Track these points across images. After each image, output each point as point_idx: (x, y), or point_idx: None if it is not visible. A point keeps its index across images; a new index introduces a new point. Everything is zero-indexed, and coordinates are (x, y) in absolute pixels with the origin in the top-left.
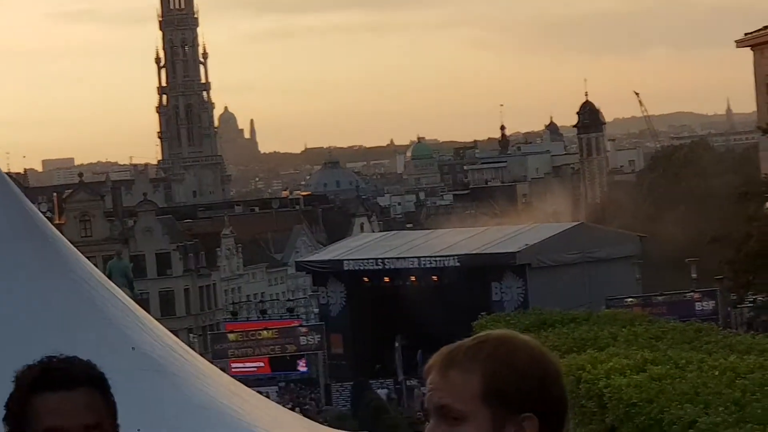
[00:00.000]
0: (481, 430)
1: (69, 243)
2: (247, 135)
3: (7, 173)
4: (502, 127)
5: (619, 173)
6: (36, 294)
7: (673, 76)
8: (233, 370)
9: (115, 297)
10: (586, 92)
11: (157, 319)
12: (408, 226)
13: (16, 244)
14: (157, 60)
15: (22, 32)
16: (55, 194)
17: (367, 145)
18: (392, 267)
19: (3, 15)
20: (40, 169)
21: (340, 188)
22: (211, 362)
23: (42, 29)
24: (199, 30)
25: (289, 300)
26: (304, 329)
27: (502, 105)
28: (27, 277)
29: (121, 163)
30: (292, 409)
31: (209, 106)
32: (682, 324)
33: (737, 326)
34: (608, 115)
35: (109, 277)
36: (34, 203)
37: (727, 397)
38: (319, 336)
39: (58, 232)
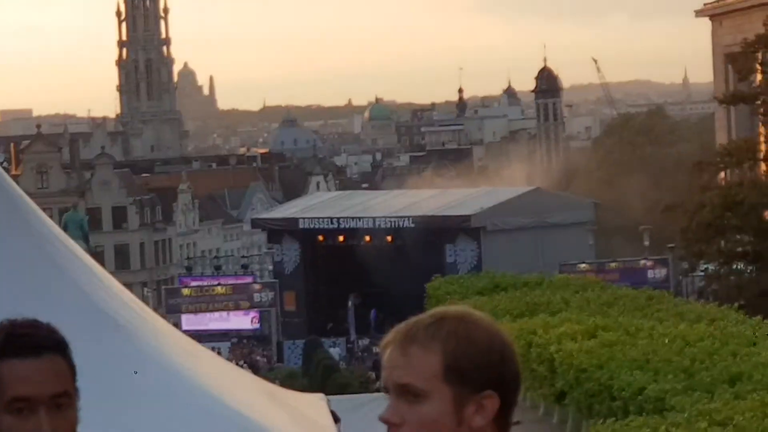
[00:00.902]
0: (442, 409)
1: (25, 194)
2: (206, 91)
3: None
4: (460, 90)
5: (576, 140)
6: None
7: (631, 43)
8: (186, 325)
9: (70, 250)
10: (545, 57)
11: (111, 273)
12: (364, 186)
13: None
14: (118, 13)
15: None
16: (12, 144)
17: (325, 105)
18: (347, 226)
19: None
20: None
21: (298, 147)
22: (165, 317)
23: None
24: None
25: (243, 257)
26: (257, 286)
27: (461, 68)
28: None
29: (80, 115)
30: (244, 365)
31: (169, 61)
32: (634, 291)
33: (688, 294)
34: (566, 81)
35: (65, 229)
36: None
37: (676, 365)
38: (272, 293)
39: (13, 183)
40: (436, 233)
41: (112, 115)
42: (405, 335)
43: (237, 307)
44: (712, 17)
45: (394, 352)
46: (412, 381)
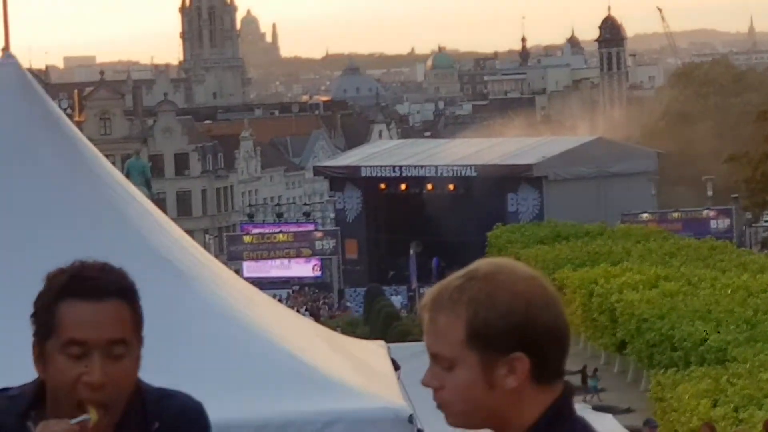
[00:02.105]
0: (472, 374)
1: (88, 141)
2: (269, 39)
3: (28, 69)
4: (523, 39)
5: (639, 89)
6: (54, 191)
7: None
8: (247, 272)
9: (132, 196)
10: (609, 6)
11: (173, 220)
12: (426, 134)
13: (35, 141)
14: None
15: None
16: (76, 91)
17: (388, 53)
18: (409, 174)
19: None
20: (61, 66)
21: (360, 95)
22: (226, 264)
23: None
24: None
25: (305, 204)
26: (319, 233)
27: (523, 17)
28: (45, 175)
29: (143, 62)
30: (305, 312)
31: (232, 8)
32: (696, 241)
33: (752, 245)
34: (630, 30)
35: (127, 176)
36: (54, 100)
37: (738, 316)
38: (334, 241)
39: (77, 130)
40: (498, 182)
41: (175, 62)
42: (433, 301)
43: (298, 255)
44: None
45: (426, 319)
46: (440, 350)
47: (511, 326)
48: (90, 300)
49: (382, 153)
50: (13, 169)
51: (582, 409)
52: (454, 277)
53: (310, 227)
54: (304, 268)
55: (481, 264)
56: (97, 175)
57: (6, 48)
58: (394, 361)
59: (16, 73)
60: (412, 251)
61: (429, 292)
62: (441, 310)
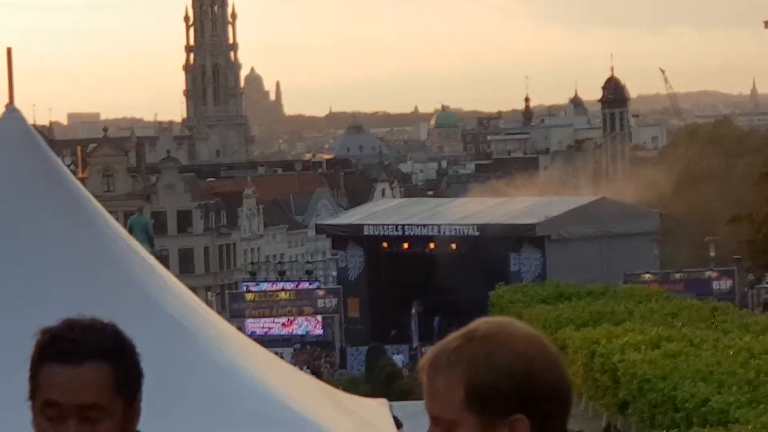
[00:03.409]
0: None
1: (91, 197)
2: (272, 97)
3: (32, 125)
4: (527, 99)
5: (642, 150)
6: (57, 248)
7: (699, 54)
8: (249, 329)
9: (136, 253)
10: (612, 67)
11: (175, 277)
12: (429, 193)
13: (38, 196)
14: (186, 18)
15: None
16: (79, 148)
17: (392, 112)
18: (412, 233)
19: None
20: (65, 122)
21: (363, 153)
22: (228, 321)
23: None
24: None
25: (308, 262)
26: (321, 292)
27: (527, 77)
28: (48, 230)
29: (147, 119)
30: (307, 371)
31: (236, 66)
32: (698, 302)
33: (754, 306)
34: (633, 91)
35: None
36: (58, 156)
37: (740, 377)
38: (336, 299)
39: (81, 186)
40: (501, 241)
41: (179, 120)
42: (431, 363)
43: (301, 313)
44: None
45: (426, 380)
46: (439, 412)
47: (511, 387)
48: (67, 363)
49: (385, 212)
50: (17, 225)
51: None
52: (453, 337)
53: (313, 285)
54: (306, 326)
55: (480, 324)
56: (100, 231)
57: (10, 102)
58: (396, 419)
59: (21, 128)
60: (414, 310)
61: (427, 354)
62: (439, 372)
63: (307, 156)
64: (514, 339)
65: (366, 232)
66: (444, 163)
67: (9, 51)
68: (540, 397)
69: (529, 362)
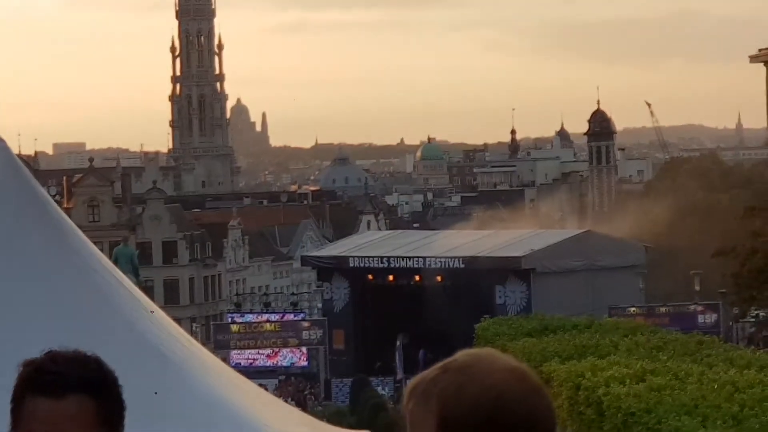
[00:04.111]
0: None
1: (76, 227)
2: (258, 128)
3: (17, 155)
4: (513, 132)
5: (628, 183)
6: (41, 278)
7: (685, 87)
8: (234, 360)
9: (120, 284)
10: (598, 100)
11: (160, 307)
12: (415, 225)
13: (23, 226)
14: (172, 49)
15: (37, 14)
16: (64, 178)
17: (378, 143)
18: (397, 265)
19: None
20: (51, 152)
21: (349, 185)
22: (213, 352)
23: (58, 12)
24: (215, 20)
25: (293, 294)
26: (306, 323)
27: (513, 109)
28: (33, 260)
29: (132, 150)
30: (291, 402)
31: (222, 97)
32: (683, 335)
33: (738, 340)
34: (619, 124)
35: (115, 263)
36: (43, 186)
37: (725, 411)
38: (321, 331)
39: (65, 216)
40: (486, 274)
41: (165, 150)
42: (410, 393)
43: (285, 345)
44: (766, 63)
45: (405, 411)
46: None
47: (478, 421)
48: (49, 396)
49: (371, 244)
50: (1, 254)
51: None
52: (433, 368)
53: (298, 317)
54: (291, 358)
55: (459, 355)
56: (85, 261)
57: None
58: None
59: (6, 157)
60: (399, 342)
61: (409, 384)
62: (417, 403)
63: (293, 187)
64: (488, 371)
65: (351, 264)
66: (430, 196)
67: None
68: (511, 430)
69: (499, 395)
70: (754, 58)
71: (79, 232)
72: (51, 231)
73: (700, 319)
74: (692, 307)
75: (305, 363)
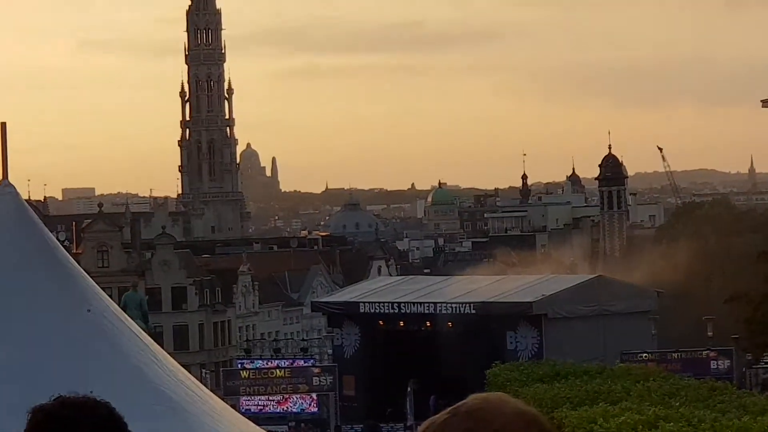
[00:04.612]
0: None
1: (85, 273)
2: (268, 173)
3: (27, 200)
4: (524, 176)
5: (639, 228)
6: (50, 324)
7: (697, 132)
8: (244, 407)
9: (129, 330)
10: (610, 145)
11: (170, 354)
12: (426, 271)
13: (31, 273)
14: (182, 94)
15: (49, 61)
16: (74, 223)
17: (388, 188)
18: (408, 311)
19: (32, 44)
20: (60, 197)
21: (360, 230)
22: (223, 399)
23: (68, 57)
24: (225, 65)
25: (303, 340)
26: (317, 369)
27: (524, 154)
28: (41, 306)
29: (141, 195)
30: None
31: (232, 142)
32: (696, 381)
33: (752, 386)
34: (630, 169)
35: (124, 308)
36: (53, 232)
37: None
38: (331, 377)
39: (74, 262)
40: (498, 320)
41: (174, 195)
42: None
43: (295, 391)
44: None
45: None
46: None
47: None
48: None
49: (381, 289)
50: (10, 300)
51: None
52: (443, 412)
53: (308, 363)
54: (301, 404)
55: (469, 399)
56: (94, 307)
57: (4, 177)
58: None
59: (14, 203)
60: (409, 388)
61: (419, 429)
62: None
63: (303, 233)
64: (497, 415)
65: (362, 310)
66: (441, 241)
67: (3, 126)
68: None
69: None
70: (766, 103)
71: (87, 277)
72: (59, 277)
73: (713, 364)
74: (705, 352)
75: (315, 409)
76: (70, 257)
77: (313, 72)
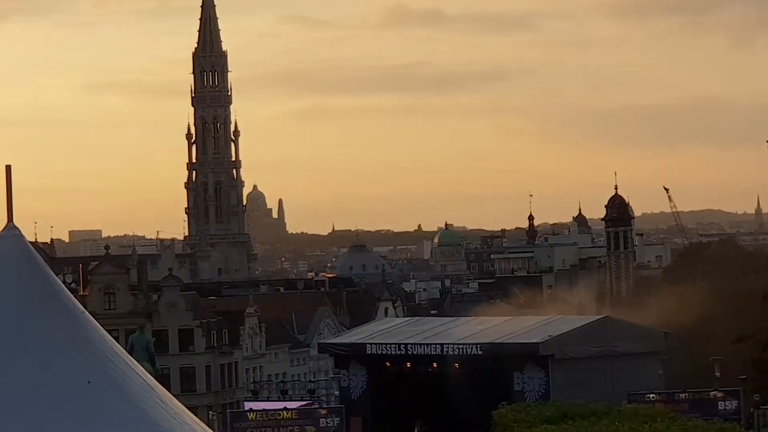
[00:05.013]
0: None
1: (90, 316)
2: (275, 215)
3: (33, 243)
4: (531, 217)
5: (646, 268)
6: (55, 368)
7: (703, 172)
8: None
9: (135, 373)
10: (616, 185)
11: (177, 396)
12: (433, 312)
13: (36, 315)
14: (188, 136)
15: (54, 102)
16: (80, 265)
17: (395, 230)
18: (415, 352)
19: (37, 85)
20: (67, 239)
21: (366, 272)
22: None
23: (74, 98)
24: (231, 107)
25: (310, 381)
26: (324, 411)
27: (531, 195)
28: (47, 348)
29: (148, 237)
30: None
31: (238, 183)
32: (704, 422)
33: (760, 427)
34: (637, 209)
35: (131, 350)
36: (59, 274)
37: None
38: (338, 419)
39: (79, 305)
40: (504, 361)
41: (181, 237)
42: None
43: None
44: None
45: None
46: None
47: None
48: None
49: (388, 331)
50: (15, 345)
51: None
52: None
53: (315, 405)
54: None
55: None
56: (99, 350)
57: (9, 220)
58: None
59: (19, 246)
60: (416, 429)
61: None
62: None
63: (310, 275)
64: None
65: (369, 351)
66: (447, 282)
67: (8, 168)
68: None
69: None
70: None
71: (93, 320)
72: (64, 320)
73: (721, 405)
74: (712, 393)
75: None
76: (75, 300)
77: (319, 113)
